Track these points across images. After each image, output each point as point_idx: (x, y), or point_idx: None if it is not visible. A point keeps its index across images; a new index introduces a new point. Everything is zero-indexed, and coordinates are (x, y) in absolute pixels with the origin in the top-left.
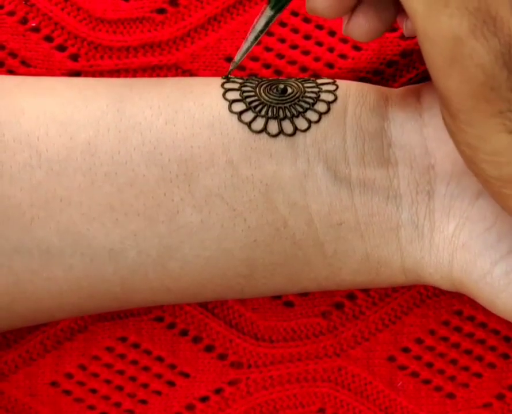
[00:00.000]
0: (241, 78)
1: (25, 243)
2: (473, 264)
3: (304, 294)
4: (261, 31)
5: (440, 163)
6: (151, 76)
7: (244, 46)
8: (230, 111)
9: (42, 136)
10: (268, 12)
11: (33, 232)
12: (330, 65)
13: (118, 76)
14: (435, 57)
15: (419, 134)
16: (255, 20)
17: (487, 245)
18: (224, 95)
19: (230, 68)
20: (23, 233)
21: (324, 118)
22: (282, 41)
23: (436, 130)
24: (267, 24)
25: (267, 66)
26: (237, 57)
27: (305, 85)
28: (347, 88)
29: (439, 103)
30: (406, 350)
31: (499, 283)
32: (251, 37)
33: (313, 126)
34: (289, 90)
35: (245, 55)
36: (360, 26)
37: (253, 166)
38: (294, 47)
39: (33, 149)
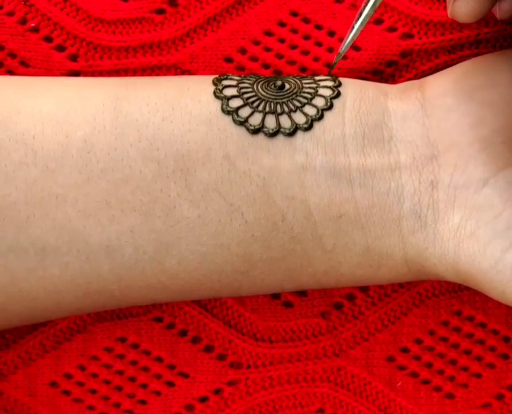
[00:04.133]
0: (239, 76)
1: (21, 242)
2: (482, 254)
3: (303, 294)
4: (368, 16)
5: (443, 153)
6: (150, 76)
7: (350, 34)
8: (228, 106)
9: (38, 135)
10: None
11: (28, 230)
12: (330, 65)
13: (118, 77)
14: None
15: (420, 124)
16: (362, 5)
17: (496, 233)
18: (221, 91)
19: (335, 60)
20: (19, 232)
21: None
22: (282, 41)
23: (439, 120)
24: (373, 7)
25: (267, 66)
26: (342, 48)
27: (303, 81)
28: (345, 83)
29: None
30: (405, 350)
31: (511, 270)
32: (357, 24)
33: (310, 120)
34: (287, 86)
35: (352, 43)
36: (467, 5)
37: (250, 160)
38: (293, 47)
39: (28, 147)
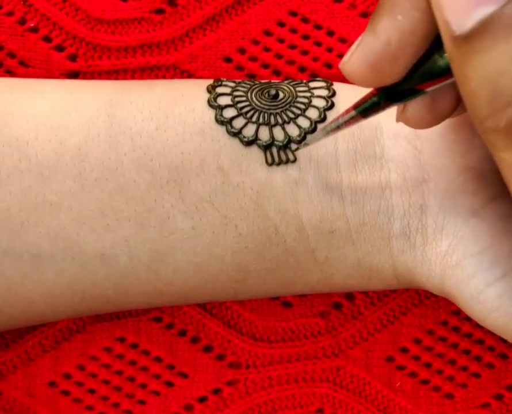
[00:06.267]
0: (234, 81)
1: (15, 247)
2: (465, 284)
3: (302, 295)
4: (337, 128)
5: (434, 179)
6: (149, 76)
7: (320, 133)
8: (221, 116)
9: (32, 140)
10: (353, 114)
11: (23, 236)
12: (329, 65)
13: (117, 77)
14: None
15: (412, 146)
16: (340, 116)
17: (482, 266)
18: (215, 99)
19: (300, 147)
20: (13, 237)
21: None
22: (281, 41)
23: (430, 145)
24: (347, 123)
25: (266, 66)
26: (309, 139)
27: (297, 89)
28: (339, 91)
29: None
30: (404, 350)
31: (491, 304)
32: (330, 126)
33: (303, 133)
34: (281, 95)
35: (316, 141)
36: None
37: (244, 173)
38: (292, 47)
39: (22, 153)
